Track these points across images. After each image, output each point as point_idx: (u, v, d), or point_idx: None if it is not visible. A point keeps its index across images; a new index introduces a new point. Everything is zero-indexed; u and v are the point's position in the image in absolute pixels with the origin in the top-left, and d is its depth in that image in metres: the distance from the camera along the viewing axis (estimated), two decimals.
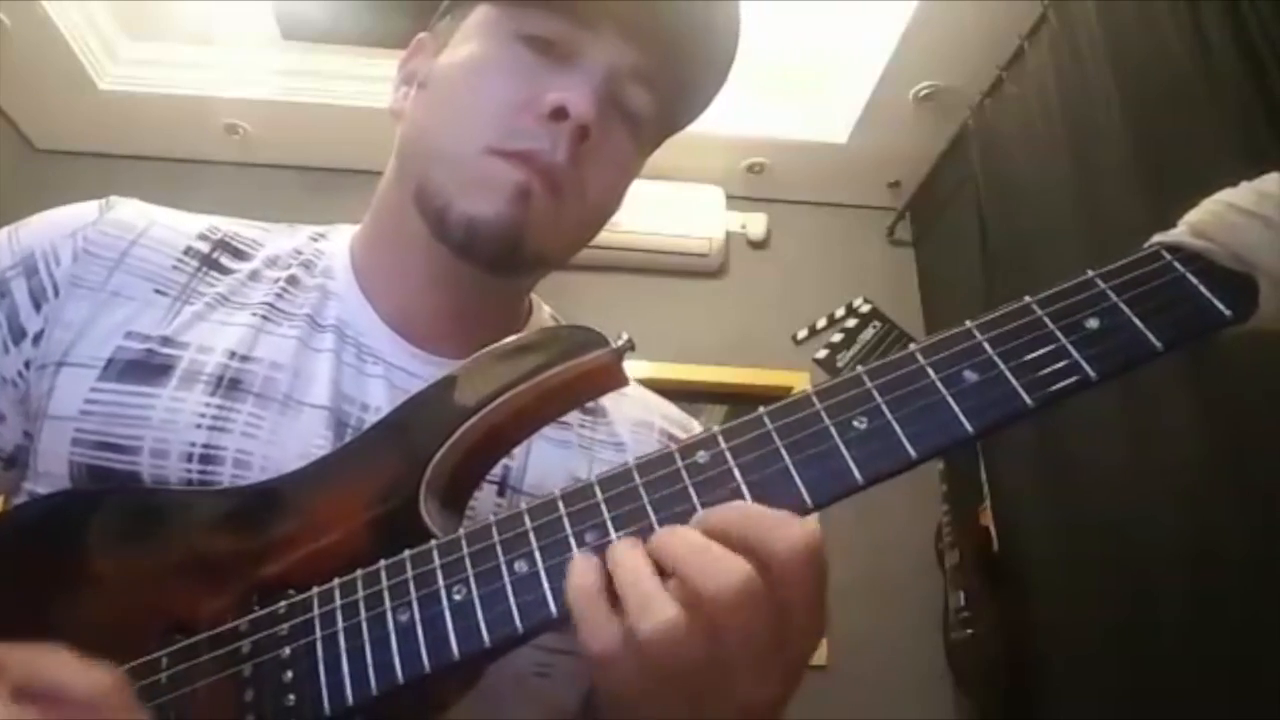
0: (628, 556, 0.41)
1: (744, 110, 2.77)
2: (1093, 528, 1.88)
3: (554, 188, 0.60)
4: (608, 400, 0.72)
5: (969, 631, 2.25)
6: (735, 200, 3.01)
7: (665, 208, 2.85)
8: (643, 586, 0.40)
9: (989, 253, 2.38)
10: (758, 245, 3.07)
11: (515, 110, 0.60)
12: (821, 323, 2.82)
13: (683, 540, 0.41)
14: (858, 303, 2.46)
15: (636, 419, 0.72)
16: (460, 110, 0.62)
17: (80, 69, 2.58)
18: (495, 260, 0.61)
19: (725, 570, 0.39)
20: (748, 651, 0.40)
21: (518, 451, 0.63)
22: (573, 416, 0.69)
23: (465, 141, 0.60)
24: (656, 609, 0.39)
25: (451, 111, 0.63)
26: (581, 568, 0.42)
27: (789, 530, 0.39)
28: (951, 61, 2.48)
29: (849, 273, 2.94)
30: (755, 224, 3.06)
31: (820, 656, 2.45)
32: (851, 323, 2.55)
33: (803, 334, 2.72)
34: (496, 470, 0.62)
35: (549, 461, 0.65)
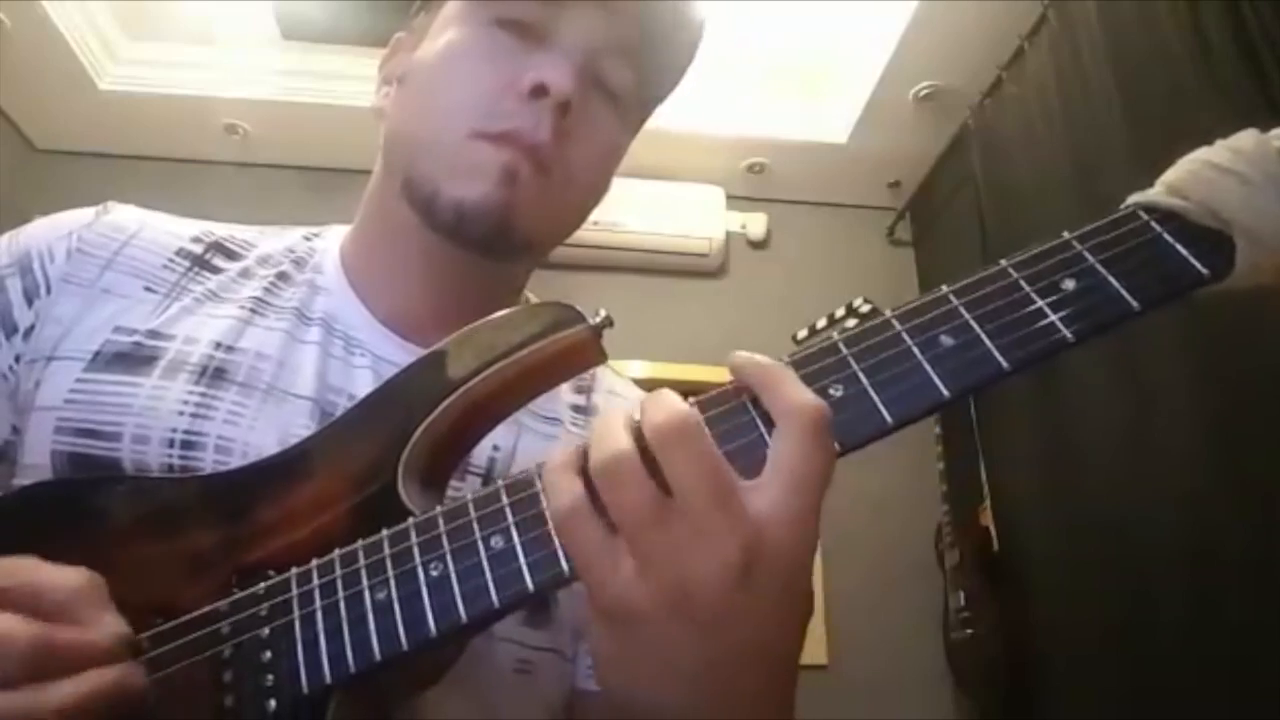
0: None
1: (744, 110, 2.77)
2: (1093, 528, 1.87)
3: (541, 167, 0.60)
4: (600, 400, 0.72)
5: (969, 631, 2.24)
6: (735, 200, 3.01)
7: (665, 208, 2.85)
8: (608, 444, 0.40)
9: (989, 253, 2.38)
10: (758, 245, 3.07)
11: (496, 93, 0.60)
12: (821, 323, 2.80)
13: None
14: (858, 303, 2.45)
15: None
16: (441, 98, 0.62)
17: (80, 69, 2.59)
18: (485, 241, 0.61)
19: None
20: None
21: (504, 443, 0.63)
22: (565, 413, 0.69)
23: (448, 128, 0.61)
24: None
25: (433, 100, 0.63)
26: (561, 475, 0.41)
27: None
28: (951, 61, 2.48)
29: (849, 273, 2.94)
30: (755, 224, 3.06)
31: (820, 656, 2.44)
32: (851, 323, 2.53)
33: (803, 334, 2.70)
34: (482, 461, 0.62)
35: (537, 453, 0.64)
